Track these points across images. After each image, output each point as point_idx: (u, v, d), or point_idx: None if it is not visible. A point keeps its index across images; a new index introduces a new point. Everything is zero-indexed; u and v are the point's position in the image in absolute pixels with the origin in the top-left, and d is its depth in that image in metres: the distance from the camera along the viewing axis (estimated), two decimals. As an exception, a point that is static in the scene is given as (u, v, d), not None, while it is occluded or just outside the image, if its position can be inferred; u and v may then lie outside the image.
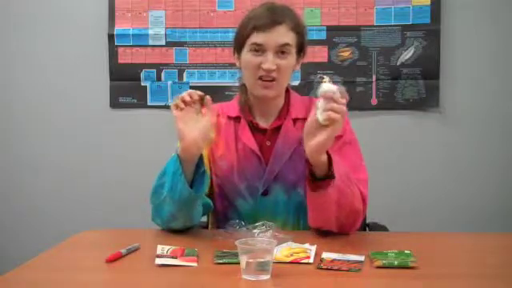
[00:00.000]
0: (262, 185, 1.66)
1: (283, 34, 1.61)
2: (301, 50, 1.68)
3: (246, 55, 1.64)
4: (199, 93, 1.53)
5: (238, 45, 1.67)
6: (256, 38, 1.61)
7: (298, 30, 1.65)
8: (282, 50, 1.62)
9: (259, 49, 1.61)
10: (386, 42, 2.82)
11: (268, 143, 1.69)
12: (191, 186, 1.51)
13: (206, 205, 1.64)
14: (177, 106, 1.50)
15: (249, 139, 1.69)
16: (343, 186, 1.48)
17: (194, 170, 1.53)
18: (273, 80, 1.62)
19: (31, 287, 1.21)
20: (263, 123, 1.71)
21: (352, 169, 1.60)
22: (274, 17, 1.61)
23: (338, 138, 1.65)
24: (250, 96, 1.71)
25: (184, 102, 1.51)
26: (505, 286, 1.19)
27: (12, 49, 2.95)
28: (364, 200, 1.57)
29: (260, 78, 1.63)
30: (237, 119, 1.72)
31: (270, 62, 1.60)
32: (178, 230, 1.58)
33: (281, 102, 1.72)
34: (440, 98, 2.81)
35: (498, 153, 2.83)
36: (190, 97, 1.51)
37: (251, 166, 1.68)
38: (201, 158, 1.53)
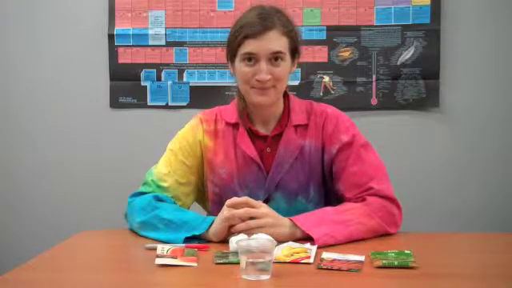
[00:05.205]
0: (263, 193, 1.64)
1: (275, 40, 1.57)
2: (295, 52, 1.64)
3: (240, 66, 1.60)
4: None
5: (231, 53, 1.63)
6: (248, 46, 1.57)
7: (290, 34, 1.61)
8: (275, 57, 1.58)
9: (252, 57, 1.58)
10: (386, 42, 2.81)
11: (268, 150, 1.66)
12: None
13: None
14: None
15: (248, 147, 1.66)
16: (347, 231, 1.48)
17: None
18: (268, 87, 1.59)
19: (31, 287, 1.22)
20: (263, 130, 1.68)
21: (373, 168, 1.63)
22: (264, 23, 1.57)
23: (350, 145, 1.64)
24: (248, 103, 1.68)
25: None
26: (505, 286, 1.19)
27: (12, 49, 2.95)
28: (390, 197, 1.63)
29: (255, 87, 1.60)
30: (235, 125, 1.69)
31: (263, 72, 1.57)
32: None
33: (280, 108, 1.69)
34: (440, 97, 2.81)
35: (498, 153, 2.82)
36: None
37: (251, 173, 1.65)
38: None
